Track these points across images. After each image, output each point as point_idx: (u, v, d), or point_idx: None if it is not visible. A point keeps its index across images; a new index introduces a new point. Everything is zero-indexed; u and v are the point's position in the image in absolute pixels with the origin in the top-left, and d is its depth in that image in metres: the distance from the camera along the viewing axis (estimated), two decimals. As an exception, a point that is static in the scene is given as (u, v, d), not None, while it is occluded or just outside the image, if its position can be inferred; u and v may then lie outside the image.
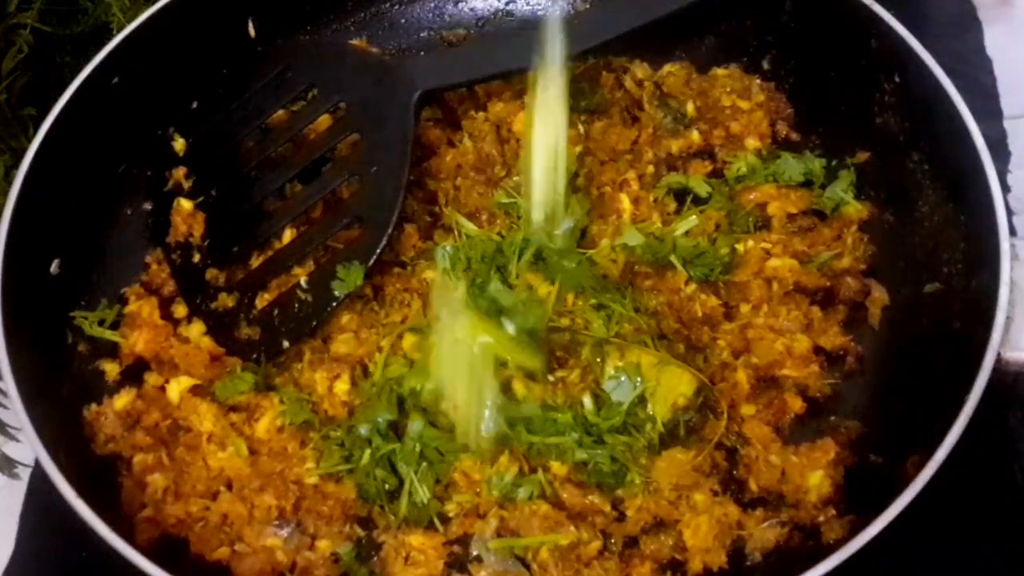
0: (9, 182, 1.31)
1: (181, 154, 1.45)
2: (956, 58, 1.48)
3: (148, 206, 1.47)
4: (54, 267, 1.34)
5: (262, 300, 1.34)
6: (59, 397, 1.28)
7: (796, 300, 1.34)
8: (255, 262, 1.38)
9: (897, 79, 1.36)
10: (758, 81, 1.52)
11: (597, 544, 1.19)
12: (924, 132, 1.34)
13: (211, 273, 1.38)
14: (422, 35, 1.66)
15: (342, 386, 1.29)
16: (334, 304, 1.30)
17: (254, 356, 1.32)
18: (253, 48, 1.57)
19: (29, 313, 1.26)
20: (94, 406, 1.29)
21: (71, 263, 1.36)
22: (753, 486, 1.23)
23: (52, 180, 1.33)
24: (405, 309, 1.35)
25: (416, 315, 1.35)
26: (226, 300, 1.36)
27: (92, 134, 1.40)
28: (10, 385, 1.18)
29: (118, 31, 1.45)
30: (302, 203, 1.39)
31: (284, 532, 1.22)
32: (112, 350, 1.35)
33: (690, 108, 1.51)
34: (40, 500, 1.32)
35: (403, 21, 1.66)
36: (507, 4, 1.66)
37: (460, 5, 1.67)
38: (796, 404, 1.27)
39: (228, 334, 1.34)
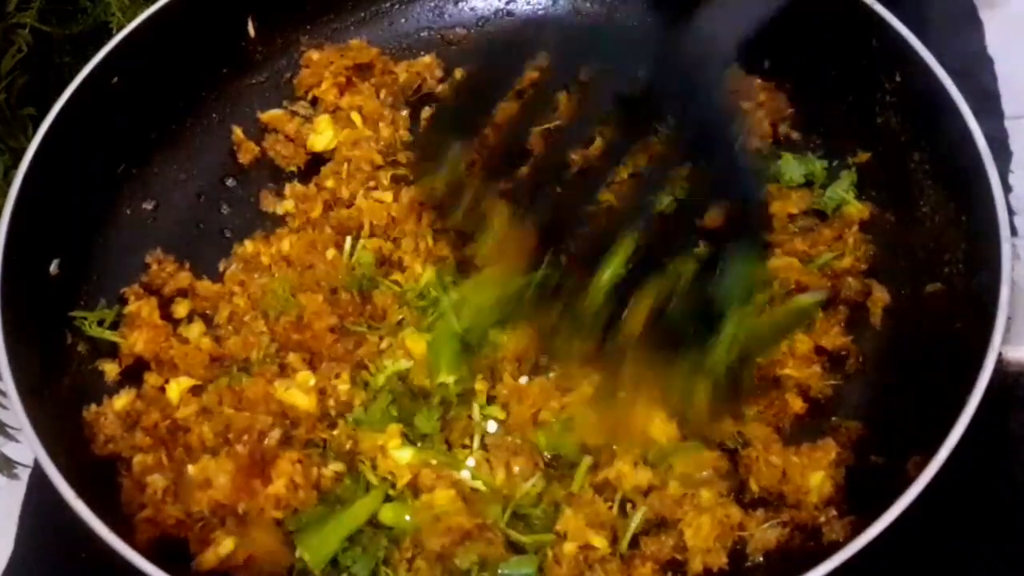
0: (8, 182, 1.31)
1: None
2: (957, 58, 1.47)
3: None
4: (54, 267, 1.34)
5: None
6: (59, 397, 1.27)
7: (797, 299, 1.34)
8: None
9: (898, 79, 1.36)
10: (758, 81, 1.51)
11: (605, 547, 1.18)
12: (925, 132, 1.34)
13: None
14: (422, 35, 1.66)
15: (342, 386, 1.28)
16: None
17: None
18: (254, 47, 1.57)
19: (29, 313, 1.26)
20: (94, 407, 1.28)
21: (71, 263, 1.36)
22: (754, 486, 1.22)
23: (51, 180, 1.33)
24: (404, 310, 1.35)
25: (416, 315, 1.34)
26: None
27: (92, 134, 1.39)
28: (9, 385, 1.17)
29: (117, 31, 1.45)
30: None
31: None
32: (112, 350, 1.35)
33: (691, 108, 1.51)
34: (39, 501, 1.32)
35: (403, 21, 1.66)
36: (507, 4, 1.66)
37: (460, 5, 1.67)
38: (797, 404, 1.27)
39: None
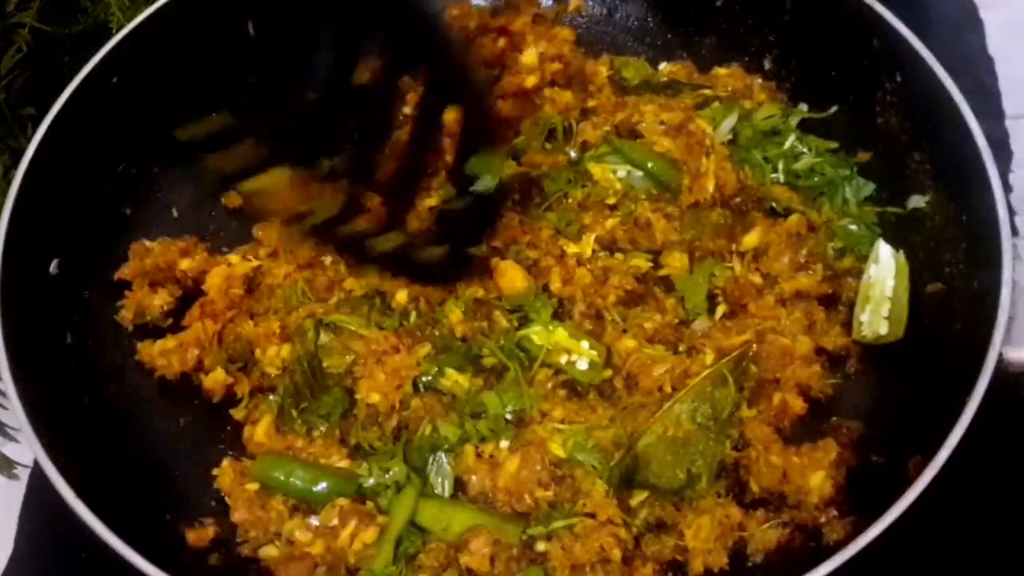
0: (8, 182, 1.31)
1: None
2: (958, 58, 1.47)
3: None
4: (53, 267, 1.34)
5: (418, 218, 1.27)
6: (59, 397, 1.27)
7: (799, 301, 1.33)
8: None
9: (899, 79, 1.36)
10: (759, 80, 1.52)
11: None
12: (926, 132, 1.34)
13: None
14: (422, 35, 1.65)
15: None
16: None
17: (451, 273, 1.29)
18: (252, 45, 1.57)
19: (29, 313, 1.26)
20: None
21: (71, 263, 1.36)
22: (755, 487, 1.22)
23: (51, 180, 1.33)
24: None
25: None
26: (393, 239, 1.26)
27: (91, 134, 1.39)
28: (9, 385, 1.17)
29: (117, 30, 1.45)
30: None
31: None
32: (112, 350, 1.36)
33: (691, 108, 1.51)
34: (39, 501, 1.32)
35: (403, 20, 1.66)
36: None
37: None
38: (798, 405, 1.27)
39: (414, 263, 1.26)
